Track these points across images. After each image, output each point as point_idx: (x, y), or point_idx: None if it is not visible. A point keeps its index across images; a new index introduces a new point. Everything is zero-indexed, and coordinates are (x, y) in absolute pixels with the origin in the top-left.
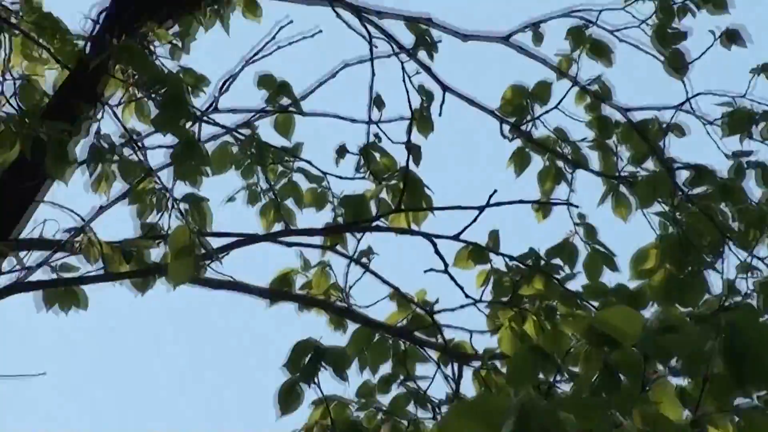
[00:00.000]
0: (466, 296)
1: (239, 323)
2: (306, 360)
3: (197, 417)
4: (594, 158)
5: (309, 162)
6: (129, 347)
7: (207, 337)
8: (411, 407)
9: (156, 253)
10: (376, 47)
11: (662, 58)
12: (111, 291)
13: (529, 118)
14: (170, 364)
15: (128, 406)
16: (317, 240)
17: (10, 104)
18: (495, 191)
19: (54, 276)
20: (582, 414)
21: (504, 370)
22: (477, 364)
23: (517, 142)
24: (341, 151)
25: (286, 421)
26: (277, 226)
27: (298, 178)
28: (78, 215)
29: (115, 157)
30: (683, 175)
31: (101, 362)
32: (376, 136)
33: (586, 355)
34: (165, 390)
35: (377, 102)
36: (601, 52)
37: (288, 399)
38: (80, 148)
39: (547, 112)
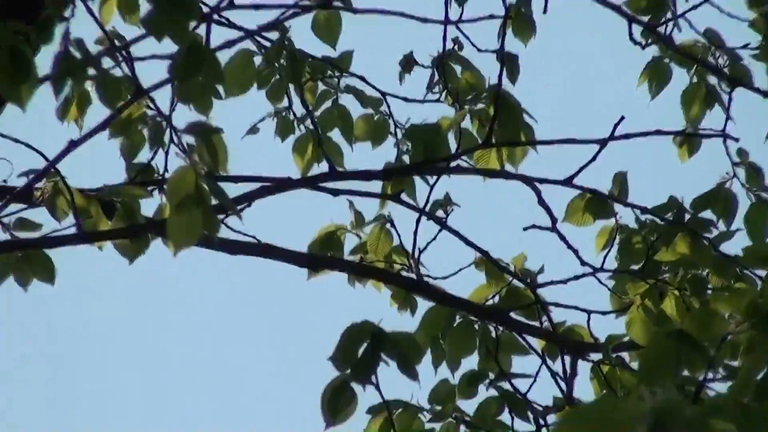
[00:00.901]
0: (582, 263)
1: (268, 300)
2: (361, 350)
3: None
4: (760, 72)
5: (362, 78)
6: (111, 334)
7: (225, 318)
8: (505, 416)
9: (150, 205)
10: None
11: None
12: (89, 256)
13: (669, 16)
14: (171, 358)
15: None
16: (374, 186)
17: None
18: (622, 118)
19: (6, 236)
20: (744, 424)
21: (635, 364)
22: (597, 356)
23: (653, 50)
24: (408, 63)
25: None
26: (318, 168)
27: (346, 100)
28: (40, 153)
29: (92, 72)
30: None
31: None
32: (456, 41)
33: (749, 344)
34: (170, 394)
35: None
36: None
37: (337, 403)
38: (44, 59)
39: (694, 7)
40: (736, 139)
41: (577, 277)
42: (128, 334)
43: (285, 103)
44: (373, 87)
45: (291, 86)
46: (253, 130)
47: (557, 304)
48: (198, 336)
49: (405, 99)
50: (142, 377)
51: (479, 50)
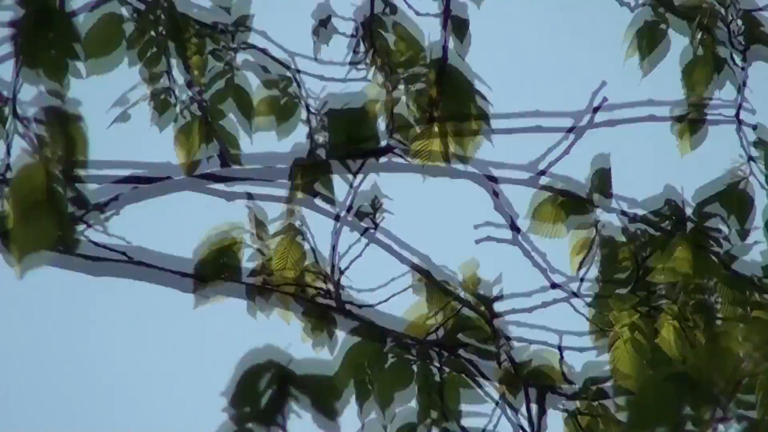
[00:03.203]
0: (553, 285)
1: (145, 328)
2: (264, 388)
3: None
4: None
5: (264, 51)
6: None
7: (88, 352)
8: None
9: None
10: None
11: None
12: None
13: None
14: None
15: None
16: (281, 187)
17: None
18: (603, 101)
19: None
20: None
21: (621, 413)
22: (573, 403)
23: (646, 12)
24: (324, 30)
25: None
26: (209, 163)
27: (244, 78)
28: None
29: None
30: None
31: None
32: (388, 2)
33: None
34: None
35: None
36: None
37: None
38: None
39: None
40: (754, 127)
41: (545, 305)
42: None
43: (165, 82)
44: (279, 62)
45: (173, 61)
46: (124, 116)
47: (522, 339)
48: (45, 379)
49: (321, 77)
50: None
51: (417, 14)
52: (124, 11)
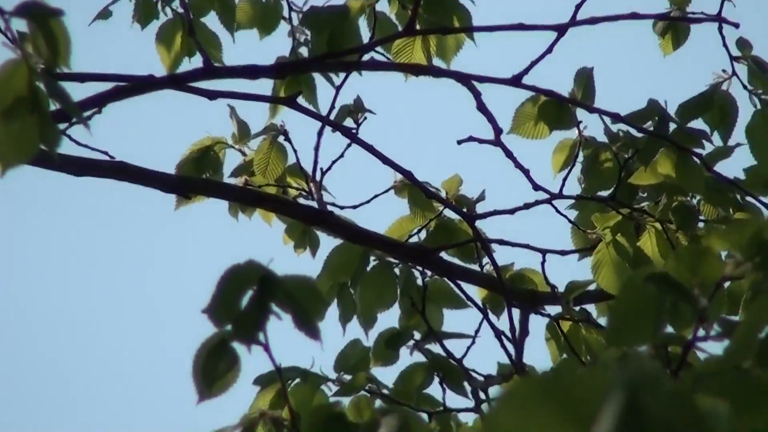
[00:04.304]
0: (536, 188)
1: (124, 236)
2: (245, 301)
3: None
4: None
5: None
6: None
7: (64, 260)
8: (435, 388)
9: None
10: None
11: None
12: None
13: None
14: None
15: None
16: (263, 87)
17: None
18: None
19: None
20: (743, 397)
21: (602, 320)
22: (555, 309)
23: None
24: None
25: (214, 409)
26: (190, 63)
27: None
28: None
29: None
30: None
31: None
32: None
33: (752, 291)
34: None
35: None
36: None
37: (213, 370)
38: None
39: None
40: (736, 25)
41: (527, 206)
42: None
43: None
44: None
45: None
46: (105, 14)
47: (503, 242)
48: (32, 283)
49: None
50: None
51: None
52: None
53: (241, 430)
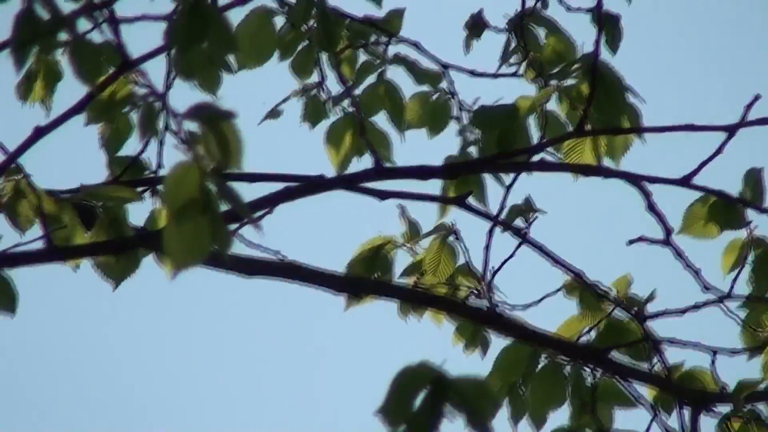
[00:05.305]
0: (706, 288)
1: (294, 337)
2: (418, 402)
3: None
4: None
5: (416, 45)
6: (89, 378)
7: (235, 364)
8: None
9: (141, 211)
10: None
11: None
12: (61, 278)
13: None
14: (168, 411)
15: None
16: (433, 187)
17: None
18: (757, 98)
19: None
20: None
21: None
22: (725, 408)
23: None
24: (476, 26)
25: None
26: (360, 163)
27: (395, 74)
28: None
29: (64, 37)
30: None
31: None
32: None
33: None
34: None
35: None
36: None
37: None
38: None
39: None
40: None
41: (697, 306)
42: (112, 380)
43: (315, 77)
44: (431, 56)
45: (323, 56)
46: (274, 113)
47: (673, 341)
48: (201, 386)
49: (472, 72)
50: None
51: (569, 9)
52: (274, 4)
53: None
